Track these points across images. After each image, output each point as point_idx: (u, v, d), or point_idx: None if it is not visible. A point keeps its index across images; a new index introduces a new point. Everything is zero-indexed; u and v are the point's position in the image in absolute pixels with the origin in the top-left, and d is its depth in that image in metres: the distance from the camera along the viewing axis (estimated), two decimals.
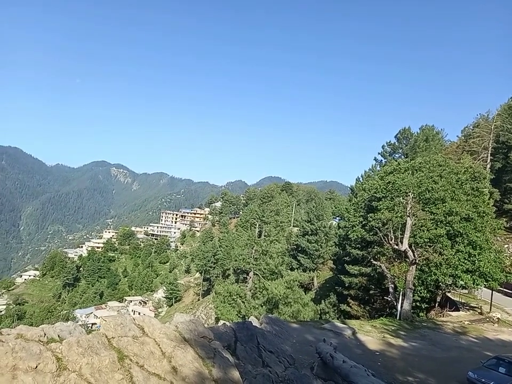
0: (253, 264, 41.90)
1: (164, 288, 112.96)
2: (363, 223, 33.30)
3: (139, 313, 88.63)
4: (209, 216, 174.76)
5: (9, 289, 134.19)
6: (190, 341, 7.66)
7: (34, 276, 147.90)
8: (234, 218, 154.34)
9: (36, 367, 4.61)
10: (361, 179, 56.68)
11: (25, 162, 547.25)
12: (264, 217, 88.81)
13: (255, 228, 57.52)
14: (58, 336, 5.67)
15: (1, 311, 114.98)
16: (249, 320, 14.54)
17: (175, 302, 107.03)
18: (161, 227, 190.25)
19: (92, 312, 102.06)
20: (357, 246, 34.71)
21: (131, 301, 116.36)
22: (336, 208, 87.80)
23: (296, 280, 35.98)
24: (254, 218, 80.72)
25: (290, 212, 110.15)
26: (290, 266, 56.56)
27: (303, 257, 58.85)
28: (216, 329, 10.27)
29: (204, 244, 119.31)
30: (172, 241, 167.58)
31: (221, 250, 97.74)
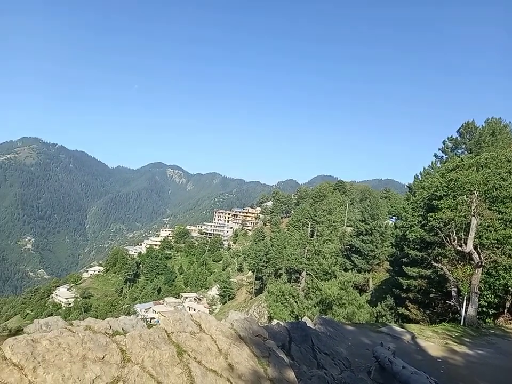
0: (306, 264, 41.50)
1: (218, 285, 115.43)
2: (422, 222, 31.66)
3: (194, 310, 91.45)
4: (261, 216, 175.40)
5: (77, 283, 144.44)
6: (245, 339, 7.70)
7: (98, 271, 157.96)
8: (285, 217, 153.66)
9: (103, 357, 4.87)
10: (419, 177, 53.91)
11: (90, 165, 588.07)
12: (316, 216, 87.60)
13: (307, 227, 56.95)
14: (122, 329, 5.96)
15: (70, 304, 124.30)
16: (302, 320, 14.39)
17: (228, 300, 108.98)
18: (214, 226, 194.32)
19: (150, 307, 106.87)
20: (416, 246, 33.08)
21: (187, 297, 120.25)
22: (392, 207, 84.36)
23: (350, 281, 35.10)
24: (306, 218, 79.92)
25: (344, 211, 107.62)
26: (344, 267, 55.29)
27: (357, 257, 57.26)
28: (270, 328, 10.26)
29: (255, 243, 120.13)
30: (224, 240, 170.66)
31: (272, 250, 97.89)
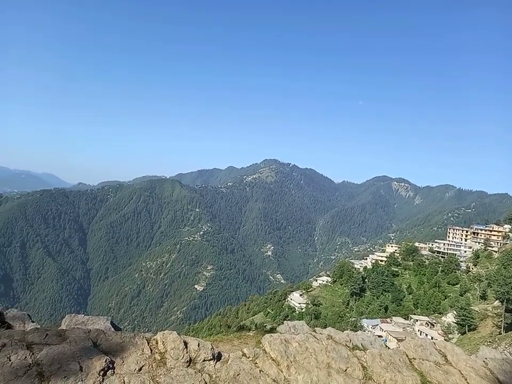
0: None
1: (454, 312, 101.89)
2: None
3: (426, 335, 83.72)
4: (510, 235, 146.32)
5: (308, 290, 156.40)
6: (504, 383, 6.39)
7: (326, 282, 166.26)
8: None
9: (346, 370, 4.93)
10: None
11: (317, 181, 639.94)
12: None
13: None
14: (361, 344, 5.92)
15: (302, 309, 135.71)
16: None
17: (468, 331, 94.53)
18: (448, 244, 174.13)
19: (377, 324, 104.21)
20: None
21: (417, 320, 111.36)
22: None
23: None
24: None
25: None
26: None
27: None
28: None
29: (504, 267, 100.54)
30: (461, 261, 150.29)
31: None
